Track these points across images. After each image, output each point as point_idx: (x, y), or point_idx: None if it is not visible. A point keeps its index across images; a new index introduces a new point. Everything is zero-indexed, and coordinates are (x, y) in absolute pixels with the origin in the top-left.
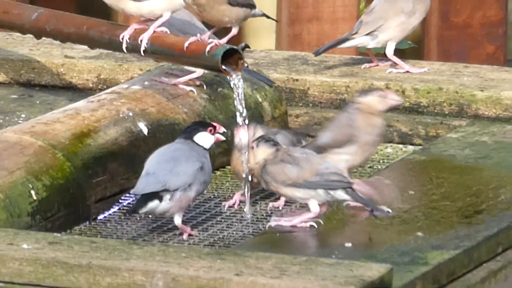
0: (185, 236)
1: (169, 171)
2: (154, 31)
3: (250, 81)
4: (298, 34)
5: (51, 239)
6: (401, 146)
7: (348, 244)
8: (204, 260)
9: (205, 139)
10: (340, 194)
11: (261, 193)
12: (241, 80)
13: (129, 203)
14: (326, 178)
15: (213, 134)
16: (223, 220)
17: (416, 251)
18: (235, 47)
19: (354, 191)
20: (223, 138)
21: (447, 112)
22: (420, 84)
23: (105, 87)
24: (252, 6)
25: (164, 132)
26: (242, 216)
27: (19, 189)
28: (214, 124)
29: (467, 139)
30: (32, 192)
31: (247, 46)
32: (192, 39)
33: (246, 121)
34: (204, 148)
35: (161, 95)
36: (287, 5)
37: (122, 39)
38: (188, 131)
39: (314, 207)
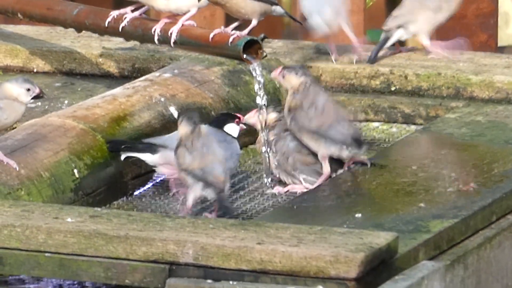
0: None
1: None
2: (183, 25)
3: (269, 68)
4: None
5: (92, 213)
6: (404, 125)
7: (358, 215)
8: (229, 230)
9: (233, 129)
10: None
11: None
12: (261, 68)
13: (161, 180)
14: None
15: (238, 124)
16: (245, 194)
17: (419, 220)
18: (255, 38)
19: None
20: (245, 127)
21: (445, 95)
22: (421, 69)
23: (139, 75)
24: (272, 3)
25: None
26: (263, 191)
27: (63, 168)
28: (239, 115)
29: (463, 119)
30: (75, 170)
31: (265, 37)
32: (216, 31)
33: (265, 104)
34: (233, 137)
35: (189, 81)
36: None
37: (154, 32)
38: (218, 121)
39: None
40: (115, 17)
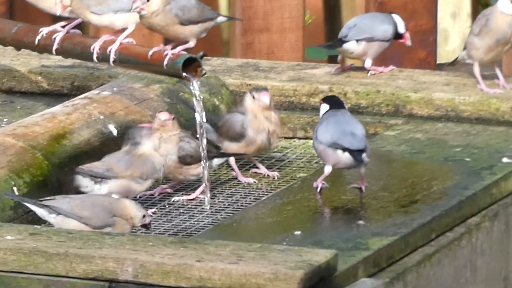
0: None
1: None
2: (121, 43)
3: (208, 86)
4: (250, 43)
5: (32, 231)
6: None
7: (298, 232)
8: (169, 248)
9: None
10: None
11: (219, 186)
12: (200, 86)
13: None
14: None
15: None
16: (185, 211)
17: (358, 238)
18: (194, 55)
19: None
20: None
21: (384, 112)
22: (360, 87)
23: (78, 93)
24: (211, 19)
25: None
26: (202, 208)
27: (2, 186)
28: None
29: (402, 136)
30: (14, 188)
31: (205, 55)
32: (154, 49)
33: (204, 122)
34: None
35: (128, 99)
36: (240, 17)
37: (93, 50)
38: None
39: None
40: (44, 35)
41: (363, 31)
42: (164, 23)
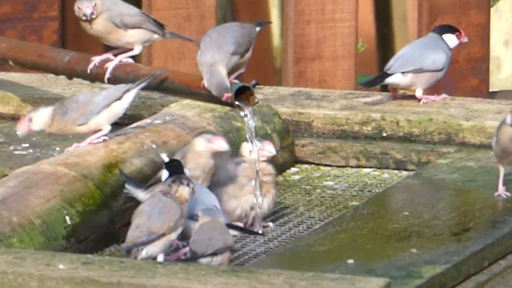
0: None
1: None
2: (120, 61)
3: (260, 114)
4: (303, 72)
5: (84, 260)
6: (396, 171)
7: (350, 261)
8: (221, 277)
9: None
10: None
11: (272, 215)
12: (253, 114)
13: None
14: None
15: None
16: (238, 240)
17: (411, 266)
18: (246, 84)
19: None
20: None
21: (437, 140)
22: (413, 115)
23: (130, 122)
24: (154, 31)
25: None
26: (254, 237)
27: (55, 215)
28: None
29: (455, 164)
30: (67, 217)
31: (257, 83)
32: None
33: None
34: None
35: (180, 128)
36: (293, 46)
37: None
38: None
39: None
40: (97, 63)
41: (410, 62)
42: (103, 28)
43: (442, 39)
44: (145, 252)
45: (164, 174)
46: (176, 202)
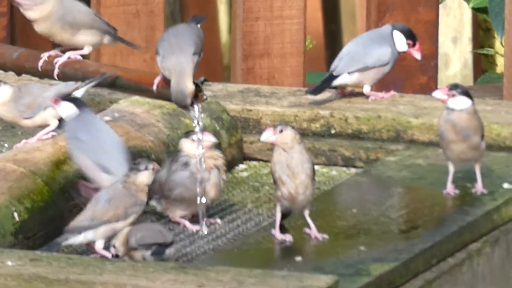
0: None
1: None
2: (69, 57)
3: (209, 111)
4: (251, 68)
5: (32, 256)
6: (344, 168)
7: (299, 258)
8: (169, 273)
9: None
10: None
11: (220, 212)
12: (201, 111)
13: None
14: None
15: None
16: (185, 237)
17: (359, 264)
18: (195, 81)
19: None
20: None
21: (385, 138)
22: (361, 112)
23: None
24: (105, 31)
25: (133, 159)
26: (202, 234)
27: (3, 212)
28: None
29: (403, 161)
30: (15, 214)
31: (206, 80)
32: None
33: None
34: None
35: (129, 125)
36: (241, 42)
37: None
38: None
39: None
40: (46, 59)
41: (355, 61)
42: (53, 27)
43: (392, 34)
44: (82, 236)
45: (68, 109)
46: (129, 191)
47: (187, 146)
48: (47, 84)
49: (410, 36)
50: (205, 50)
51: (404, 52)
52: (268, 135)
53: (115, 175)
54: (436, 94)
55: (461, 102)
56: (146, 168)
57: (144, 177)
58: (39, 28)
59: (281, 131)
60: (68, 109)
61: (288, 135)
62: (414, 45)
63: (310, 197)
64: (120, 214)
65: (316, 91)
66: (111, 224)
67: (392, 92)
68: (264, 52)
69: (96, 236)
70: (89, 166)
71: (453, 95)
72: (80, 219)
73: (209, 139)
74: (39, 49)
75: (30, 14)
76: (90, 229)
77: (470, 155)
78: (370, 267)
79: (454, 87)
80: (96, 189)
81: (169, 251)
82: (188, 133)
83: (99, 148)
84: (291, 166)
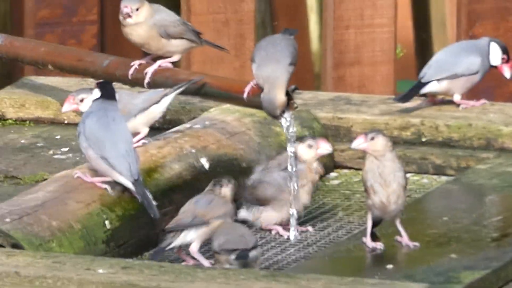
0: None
1: None
2: (160, 66)
3: (300, 119)
4: (342, 77)
5: (124, 264)
6: (435, 176)
7: (390, 266)
8: (261, 281)
9: None
10: None
11: (311, 220)
12: (293, 119)
13: None
14: None
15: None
16: (276, 245)
17: (450, 271)
18: (287, 89)
19: None
20: None
21: (476, 146)
22: (452, 120)
23: (170, 126)
24: (193, 41)
25: (223, 167)
26: (295, 241)
27: (95, 219)
28: None
29: (494, 169)
30: (106, 222)
31: (296, 88)
32: (249, 85)
33: (296, 155)
34: None
35: (220, 133)
36: (332, 51)
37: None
38: None
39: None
40: (137, 67)
41: (444, 69)
42: (146, 36)
43: (488, 46)
44: (183, 234)
45: (95, 93)
46: (222, 198)
47: (302, 151)
48: (136, 91)
49: (506, 51)
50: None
51: (495, 67)
52: (359, 142)
53: (120, 172)
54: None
55: None
56: (227, 185)
57: (228, 191)
58: (132, 35)
59: (372, 138)
60: (95, 95)
61: (380, 142)
62: (507, 61)
63: (401, 206)
64: (219, 216)
65: (404, 98)
66: (211, 226)
67: (483, 100)
68: (355, 60)
69: (196, 236)
70: (92, 156)
71: None
72: (180, 217)
73: (326, 147)
74: (129, 57)
75: (128, 20)
76: (191, 227)
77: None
78: (460, 275)
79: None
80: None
81: (252, 254)
82: (303, 138)
83: (106, 142)
84: (383, 174)
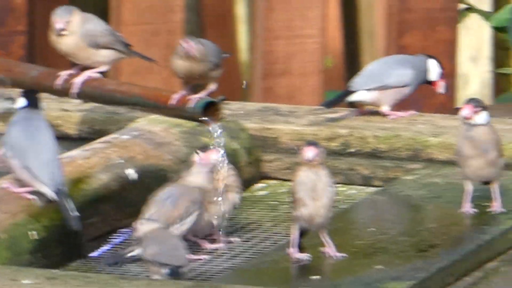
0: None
1: None
2: (89, 76)
3: (227, 130)
4: (270, 87)
5: (49, 275)
6: (362, 187)
7: (316, 277)
8: None
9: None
10: None
11: (238, 231)
12: (220, 129)
13: (120, 241)
14: None
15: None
16: (203, 255)
17: (377, 282)
18: (214, 99)
19: None
20: None
21: (404, 157)
22: (380, 131)
23: (97, 136)
24: (121, 51)
25: (151, 177)
26: (221, 252)
27: (21, 230)
28: None
29: (421, 180)
30: (33, 232)
31: (225, 99)
32: (177, 95)
33: (225, 166)
34: None
35: (147, 143)
36: (261, 62)
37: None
38: None
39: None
40: (66, 77)
41: (374, 80)
42: (75, 46)
43: (425, 62)
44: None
45: (21, 102)
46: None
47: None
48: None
49: (442, 68)
50: (224, 69)
51: (430, 82)
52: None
53: (42, 182)
54: (466, 112)
55: (482, 117)
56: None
57: None
58: (61, 44)
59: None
60: (21, 102)
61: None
62: (442, 78)
63: (328, 219)
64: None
65: (330, 104)
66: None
67: (412, 112)
68: (284, 71)
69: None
70: (16, 166)
71: (477, 112)
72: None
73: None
74: (57, 68)
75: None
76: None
77: (488, 171)
78: (387, 285)
79: (475, 102)
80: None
81: (184, 270)
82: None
83: (29, 152)
84: (317, 188)
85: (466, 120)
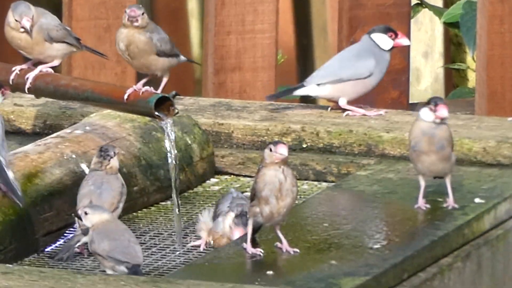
0: None
1: None
2: (41, 71)
3: (180, 125)
4: (223, 82)
5: (4, 270)
6: (316, 183)
7: (270, 272)
8: (140, 287)
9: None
10: None
11: (191, 226)
12: (173, 125)
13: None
14: None
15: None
16: (157, 251)
17: (330, 278)
18: (166, 95)
19: None
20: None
21: (357, 152)
22: (333, 127)
23: (51, 132)
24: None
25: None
26: (174, 248)
27: None
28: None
29: (375, 176)
30: None
31: (177, 94)
32: (129, 90)
33: (177, 161)
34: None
35: (101, 138)
36: (213, 57)
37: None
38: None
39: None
40: (18, 73)
41: (327, 73)
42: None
43: (372, 40)
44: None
45: None
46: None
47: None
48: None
49: (389, 29)
50: (176, 64)
51: (392, 48)
52: (285, 151)
53: None
54: (444, 113)
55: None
56: (115, 150)
57: (116, 161)
58: (20, 40)
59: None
60: None
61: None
62: (396, 35)
63: (286, 217)
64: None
65: (273, 97)
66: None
67: (381, 111)
68: (236, 66)
69: None
70: None
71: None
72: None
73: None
74: (9, 62)
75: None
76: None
77: (441, 167)
78: (341, 281)
79: (441, 100)
80: None
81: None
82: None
83: None
84: (283, 188)
85: (442, 121)
